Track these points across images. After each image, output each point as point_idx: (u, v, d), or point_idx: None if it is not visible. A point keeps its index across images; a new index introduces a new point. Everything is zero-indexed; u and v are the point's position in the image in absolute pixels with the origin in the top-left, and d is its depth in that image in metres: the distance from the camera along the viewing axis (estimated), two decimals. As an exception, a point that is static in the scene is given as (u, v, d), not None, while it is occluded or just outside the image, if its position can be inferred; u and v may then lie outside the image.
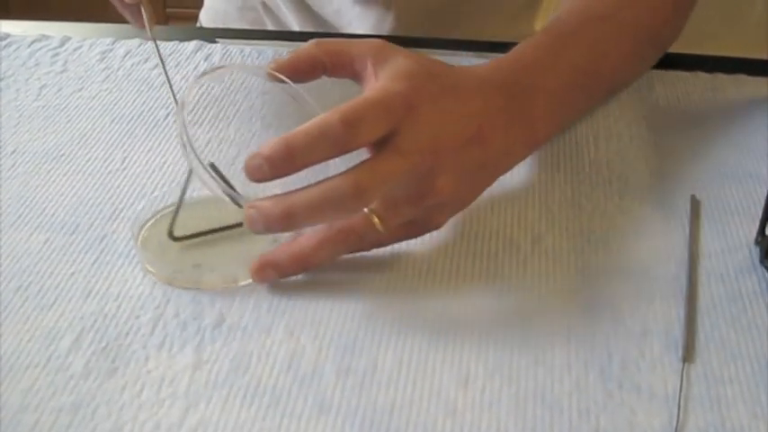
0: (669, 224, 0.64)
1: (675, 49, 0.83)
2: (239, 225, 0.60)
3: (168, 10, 2.40)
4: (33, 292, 0.58)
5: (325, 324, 0.56)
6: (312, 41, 0.62)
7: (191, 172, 0.61)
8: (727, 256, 0.61)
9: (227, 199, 0.57)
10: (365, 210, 0.56)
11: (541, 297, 0.57)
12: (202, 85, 0.60)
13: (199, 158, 0.57)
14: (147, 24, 0.73)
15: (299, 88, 0.61)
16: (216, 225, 0.62)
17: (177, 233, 0.61)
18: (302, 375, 0.52)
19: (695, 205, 0.65)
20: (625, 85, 0.79)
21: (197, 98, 0.76)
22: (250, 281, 0.59)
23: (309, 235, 0.58)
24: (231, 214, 0.61)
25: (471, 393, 0.51)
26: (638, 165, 0.70)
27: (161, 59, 0.69)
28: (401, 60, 0.60)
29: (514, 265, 0.60)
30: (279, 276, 0.58)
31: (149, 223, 0.63)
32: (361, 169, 0.55)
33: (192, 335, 0.55)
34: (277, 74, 0.60)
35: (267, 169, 0.53)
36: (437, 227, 0.61)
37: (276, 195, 0.55)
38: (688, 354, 0.54)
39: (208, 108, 0.76)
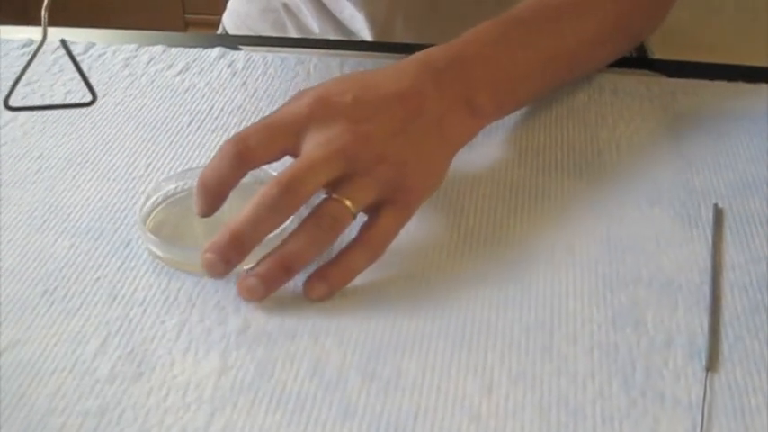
0: (692, 233, 0.64)
1: (697, 57, 0.84)
2: None
3: (187, 16, 2.41)
4: (59, 296, 0.59)
5: (350, 330, 0.56)
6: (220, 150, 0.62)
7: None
8: (750, 266, 0.61)
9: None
10: (333, 196, 0.58)
11: (565, 305, 0.57)
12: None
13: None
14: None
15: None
16: (196, 223, 0.62)
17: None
18: (327, 381, 0.52)
19: (718, 215, 0.65)
20: (593, 68, 0.79)
21: (214, 115, 0.77)
22: (252, 264, 0.58)
23: (289, 238, 0.59)
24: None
25: (495, 400, 0.51)
26: (661, 174, 0.70)
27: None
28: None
29: (538, 273, 0.60)
30: (265, 288, 0.58)
31: (158, 209, 0.65)
32: (284, 171, 0.58)
33: (217, 340, 0.55)
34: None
35: (222, 265, 0.57)
36: (411, 200, 0.61)
37: (219, 232, 0.57)
38: (712, 363, 0.54)
39: (232, 115, 0.76)
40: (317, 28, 1.04)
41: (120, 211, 0.66)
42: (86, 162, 0.71)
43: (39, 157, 0.72)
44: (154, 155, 0.72)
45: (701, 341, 0.55)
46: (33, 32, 0.90)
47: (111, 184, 0.69)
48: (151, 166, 0.70)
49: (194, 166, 0.70)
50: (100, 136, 0.74)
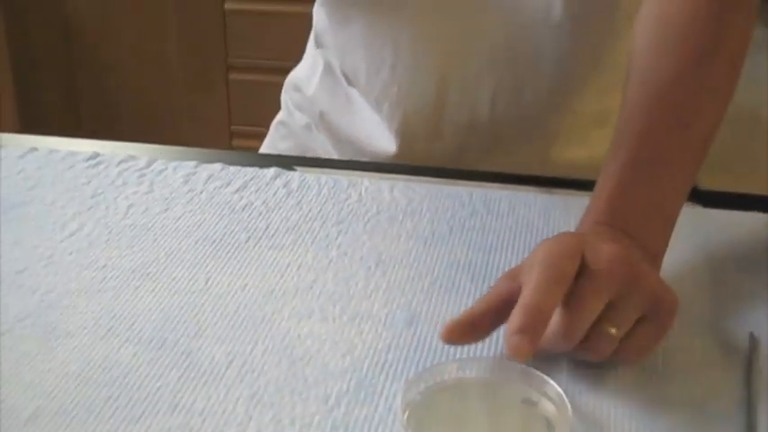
0: (728, 361, 0.66)
1: (731, 188, 0.86)
2: None
3: (233, 127, 2.47)
4: (123, 403, 0.62)
5: (399, 446, 0.58)
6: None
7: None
8: (784, 395, 0.63)
9: None
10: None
11: (606, 426, 0.59)
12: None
13: None
14: None
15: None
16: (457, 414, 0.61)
17: None
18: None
19: (754, 343, 0.67)
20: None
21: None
22: None
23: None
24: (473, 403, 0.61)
25: None
26: (697, 301, 0.72)
27: None
28: (538, 256, 0.64)
29: (580, 398, 0.62)
30: None
31: (418, 403, 0.60)
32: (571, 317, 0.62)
33: (273, 451, 0.58)
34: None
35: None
36: (672, 301, 0.64)
37: None
38: (748, 490, 0.55)
39: (287, 234, 0.80)
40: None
41: (182, 322, 0.69)
42: (148, 274, 0.75)
43: (103, 267, 0.76)
44: (213, 269, 0.75)
45: (737, 468, 0.57)
46: (99, 146, 0.95)
47: (172, 296, 0.72)
48: (210, 280, 0.74)
49: (251, 282, 0.73)
50: (161, 249, 0.78)
